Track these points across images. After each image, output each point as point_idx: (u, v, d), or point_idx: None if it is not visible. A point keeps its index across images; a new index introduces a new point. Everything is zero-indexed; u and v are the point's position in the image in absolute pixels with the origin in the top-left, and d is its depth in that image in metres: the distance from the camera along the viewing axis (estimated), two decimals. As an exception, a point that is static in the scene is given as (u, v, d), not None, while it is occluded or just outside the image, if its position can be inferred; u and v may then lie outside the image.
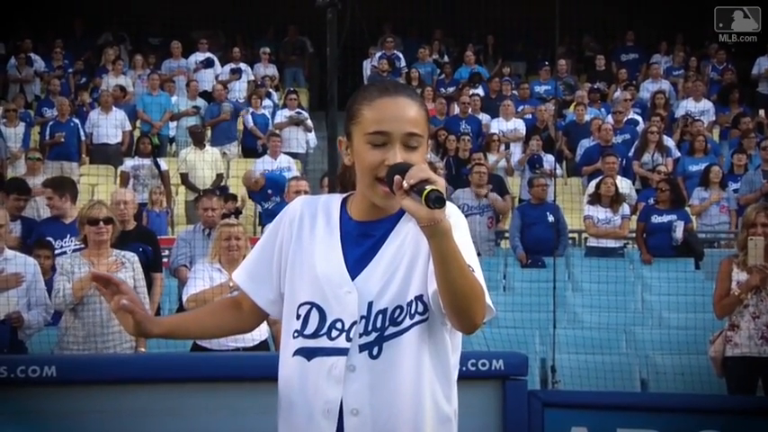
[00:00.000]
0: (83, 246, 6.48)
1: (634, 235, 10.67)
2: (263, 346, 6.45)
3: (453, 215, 2.34)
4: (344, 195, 2.53)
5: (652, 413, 5.46)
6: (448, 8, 16.79)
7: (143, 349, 6.34)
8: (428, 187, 2.14)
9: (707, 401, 5.96)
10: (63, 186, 8.11)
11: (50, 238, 7.80)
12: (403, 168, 2.22)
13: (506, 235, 11.04)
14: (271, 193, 11.54)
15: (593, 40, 18.84)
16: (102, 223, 6.24)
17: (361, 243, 2.43)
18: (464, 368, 5.23)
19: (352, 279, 2.39)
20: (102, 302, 6.17)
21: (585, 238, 11.19)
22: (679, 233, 10.10)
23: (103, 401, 4.75)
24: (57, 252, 7.58)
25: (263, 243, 2.57)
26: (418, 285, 2.36)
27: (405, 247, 2.39)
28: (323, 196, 2.58)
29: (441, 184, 2.16)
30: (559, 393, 6.58)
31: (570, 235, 11.30)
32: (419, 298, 2.36)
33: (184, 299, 6.63)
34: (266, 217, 11.52)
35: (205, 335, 2.74)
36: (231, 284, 6.38)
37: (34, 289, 6.42)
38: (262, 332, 6.38)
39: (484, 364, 5.05)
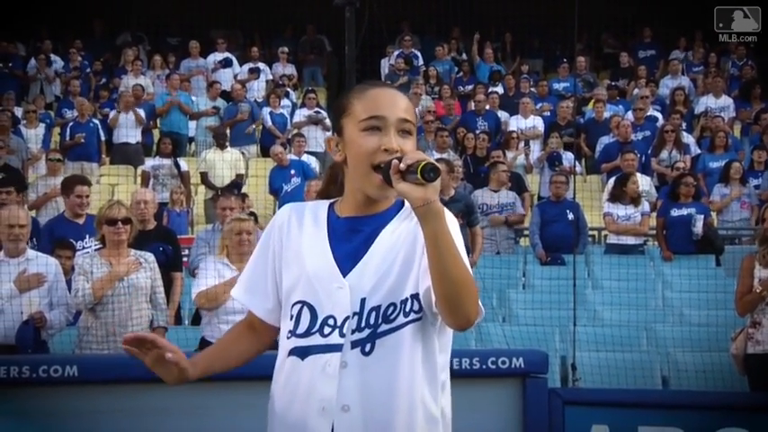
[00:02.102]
0: (100, 246, 6.50)
1: (654, 232, 10.62)
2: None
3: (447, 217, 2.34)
4: (331, 201, 2.53)
5: (673, 410, 5.45)
6: (466, 6, 16.76)
7: (160, 349, 6.34)
8: (422, 162, 2.17)
9: (728, 399, 5.93)
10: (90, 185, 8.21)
11: (69, 239, 7.80)
12: (398, 159, 2.25)
13: (526, 233, 11.01)
14: (293, 174, 11.81)
15: (611, 36, 18.77)
16: (120, 223, 6.26)
17: (350, 238, 2.42)
18: (484, 366, 5.26)
19: (345, 275, 2.38)
20: (120, 302, 6.20)
21: (605, 236, 11.15)
22: (699, 227, 10.03)
23: (125, 401, 4.77)
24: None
25: (257, 254, 2.58)
26: (415, 283, 2.35)
27: (399, 244, 2.38)
28: (311, 201, 2.59)
29: (435, 163, 2.19)
30: (580, 391, 6.56)
31: (590, 232, 11.27)
32: (415, 296, 2.35)
33: (194, 295, 6.57)
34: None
35: (233, 365, 2.66)
36: None
37: (56, 289, 6.44)
38: None
39: (504, 362, 5.05)
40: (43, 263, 6.48)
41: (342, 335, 2.36)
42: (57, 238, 7.79)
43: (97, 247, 6.71)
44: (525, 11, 16.42)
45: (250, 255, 7.45)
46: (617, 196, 10.61)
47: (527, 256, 10.59)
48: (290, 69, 17.44)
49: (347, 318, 2.36)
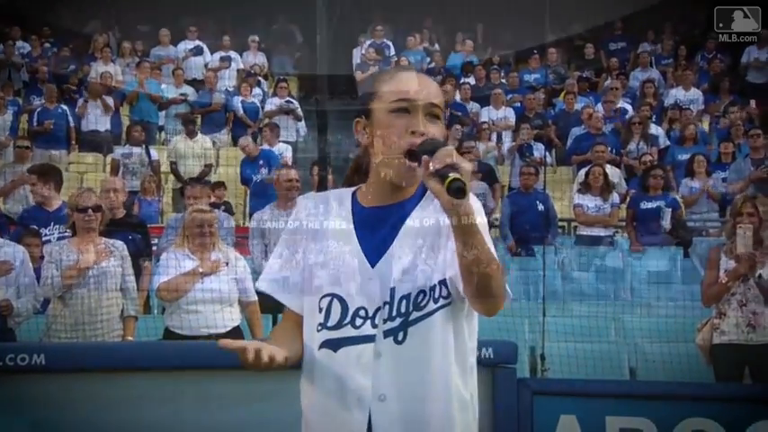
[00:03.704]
0: (68, 233, 6.44)
1: (624, 223, 10.68)
2: (235, 332, 6.27)
3: (471, 200, 2.33)
4: (354, 188, 2.51)
5: (641, 401, 5.47)
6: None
7: (130, 338, 6.33)
8: (451, 175, 2.14)
9: (695, 389, 5.97)
10: (48, 174, 8.08)
11: (35, 227, 7.75)
12: (435, 145, 2.22)
13: (496, 223, 11.04)
14: (262, 164, 11.82)
15: (582, 28, 18.81)
16: (90, 211, 6.22)
17: (376, 229, 2.41)
18: (454, 356, 5.26)
19: (373, 265, 2.38)
20: (89, 290, 6.15)
21: (575, 227, 11.20)
22: (667, 220, 10.11)
23: (93, 389, 4.74)
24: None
25: (283, 249, 2.53)
26: (443, 269, 2.35)
27: (425, 231, 2.38)
28: (333, 191, 2.57)
29: (466, 170, 2.16)
30: (549, 381, 6.60)
31: (560, 223, 11.31)
32: (443, 282, 2.36)
33: (155, 287, 6.50)
34: (253, 198, 11.67)
35: (297, 359, 2.49)
36: (201, 270, 6.34)
37: (23, 276, 6.39)
38: (234, 318, 6.32)
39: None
40: (10, 251, 6.42)
41: (374, 325, 2.36)
42: (23, 225, 7.76)
43: (61, 234, 6.65)
44: (497, 2, 16.42)
45: (212, 246, 7.26)
46: (587, 188, 10.66)
47: (497, 246, 10.58)
48: (261, 58, 17.34)
49: (378, 308, 2.36)
